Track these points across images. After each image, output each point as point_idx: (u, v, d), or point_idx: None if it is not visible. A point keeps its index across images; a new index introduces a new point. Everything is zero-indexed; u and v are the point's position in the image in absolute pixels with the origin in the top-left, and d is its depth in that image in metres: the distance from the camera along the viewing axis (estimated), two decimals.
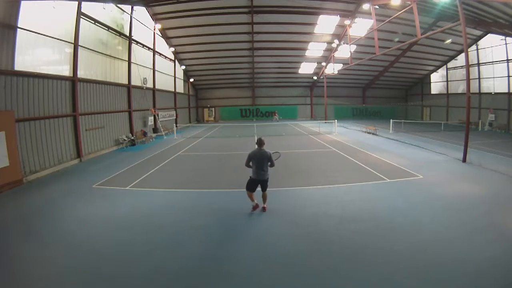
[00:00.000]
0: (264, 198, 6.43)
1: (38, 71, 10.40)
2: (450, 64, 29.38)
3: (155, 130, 21.05)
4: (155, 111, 21.02)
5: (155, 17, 20.70)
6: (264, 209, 6.41)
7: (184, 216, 6.36)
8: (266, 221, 5.97)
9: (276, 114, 35.34)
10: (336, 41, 24.96)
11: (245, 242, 5.08)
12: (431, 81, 33.04)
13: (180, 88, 29.23)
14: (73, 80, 12.38)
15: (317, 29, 23.69)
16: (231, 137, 19.62)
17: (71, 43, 12.35)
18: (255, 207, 6.44)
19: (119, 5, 16.28)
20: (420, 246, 4.74)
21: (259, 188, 6.40)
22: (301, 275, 4.07)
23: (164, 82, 24.49)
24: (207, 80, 33.71)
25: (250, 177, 6.29)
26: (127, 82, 17.50)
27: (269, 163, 6.17)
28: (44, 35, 10.66)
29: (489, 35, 22.37)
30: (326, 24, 22.97)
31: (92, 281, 4.02)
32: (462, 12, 10.75)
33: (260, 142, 6.21)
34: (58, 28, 11.49)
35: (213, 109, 36.49)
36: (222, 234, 5.40)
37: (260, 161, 6.08)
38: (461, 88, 27.98)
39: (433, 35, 14.92)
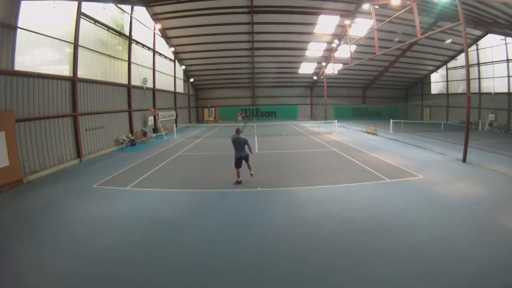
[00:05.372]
0: (249, 167, 8.52)
1: (38, 71, 10.40)
2: (450, 64, 29.37)
3: (155, 130, 21.04)
4: (155, 111, 21.01)
5: (155, 17, 20.70)
6: (251, 175, 8.54)
7: (185, 216, 6.37)
8: (266, 221, 5.97)
9: (241, 114, 34.89)
10: (336, 41, 24.95)
11: (245, 242, 5.08)
12: (431, 81, 33.03)
13: (180, 88, 29.22)
14: (73, 80, 12.38)
15: (317, 29, 23.68)
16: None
17: (71, 43, 12.35)
18: (239, 182, 8.42)
19: (119, 5, 16.27)
20: (420, 246, 4.74)
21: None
22: (301, 275, 4.07)
23: (164, 82, 24.48)
24: (207, 80, 33.70)
25: (235, 157, 8.38)
26: (127, 82, 17.50)
27: (246, 146, 8.31)
28: (44, 35, 10.66)
29: (489, 35, 22.36)
30: (326, 24, 22.95)
31: (92, 282, 4.02)
32: (462, 12, 10.75)
33: (237, 131, 8.35)
34: (58, 28, 11.48)
35: (213, 109, 36.48)
36: (222, 234, 5.41)
37: (239, 144, 8.25)
38: (461, 88, 27.98)
39: (433, 35, 14.90)
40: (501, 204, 6.66)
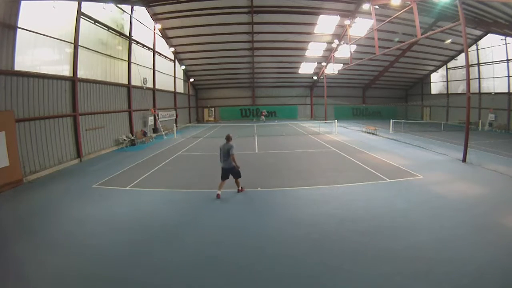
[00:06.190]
0: (237, 184, 7.69)
1: (38, 71, 10.40)
2: (450, 64, 29.37)
3: (155, 130, 21.04)
4: (155, 111, 21.01)
5: (155, 17, 20.69)
6: (239, 191, 7.69)
7: (184, 216, 6.36)
8: (266, 221, 5.97)
9: (264, 114, 34.88)
10: (336, 41, 24.95)
11: (245, 242, 5.08)
12: (431, 81, 33.03)
13: (180, 88, 29.22)
14: (73, 80, 12.38)
15: (317, 29, 23.67)
16: None
17: (71, 43, 12.35)
18: (218, 195, 7.29)
19: (119, 5, 16.27)
20: (420, 247, 4.74)
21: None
22: (301, 275, 4.07)
23: (164, 82, 24.49)
24: (207, 80, 33.70)
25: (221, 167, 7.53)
26: (127, 82, 17.49)
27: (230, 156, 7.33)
28: (44, 35, 10.65)
29: (489, 35, 22.36)
30: (326, 24, 22.94)
31: (91, 282, 4.02)
32: (462, 12, 10.75)
33: (227, 138, 7.51)
34: (58, 28, 11.48)
35: (213, 109, 36.48)
36: (222, 234, 5.40)
37: (223, 151, 7.40)
38: (461, 88, 27.97)
39: (433, 35, 14.91)
40: (501, 204, 6.65)
